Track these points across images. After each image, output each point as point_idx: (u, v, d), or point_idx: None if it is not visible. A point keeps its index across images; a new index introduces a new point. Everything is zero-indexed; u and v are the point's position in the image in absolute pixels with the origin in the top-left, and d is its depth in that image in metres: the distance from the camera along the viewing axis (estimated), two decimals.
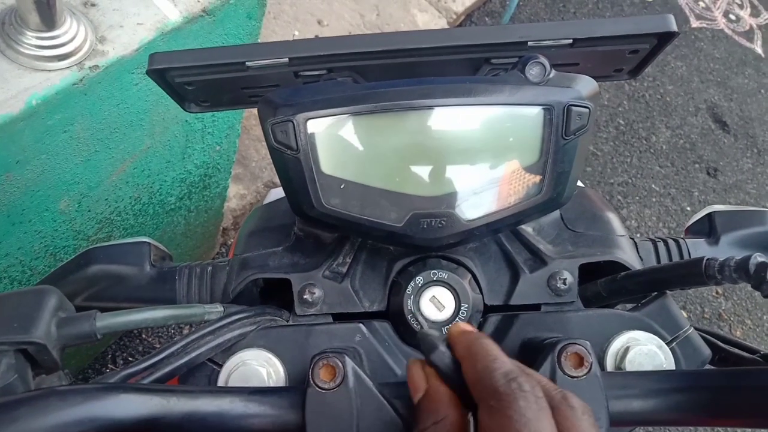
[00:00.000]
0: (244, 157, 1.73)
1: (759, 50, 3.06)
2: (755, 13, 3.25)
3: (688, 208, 2.33)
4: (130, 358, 1.43)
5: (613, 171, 2.35)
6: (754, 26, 3.18)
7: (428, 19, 2.31)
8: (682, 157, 2.50)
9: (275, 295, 0.51)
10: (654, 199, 2.32)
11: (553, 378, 0.34)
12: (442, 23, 2.34)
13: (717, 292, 2.11)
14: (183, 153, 1.01)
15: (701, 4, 3.16)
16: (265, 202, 0.58)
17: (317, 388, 0.33)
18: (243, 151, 1.73)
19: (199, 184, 1.15)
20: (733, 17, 3.17)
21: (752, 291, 2.12)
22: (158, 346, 1.48)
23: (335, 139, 0.40)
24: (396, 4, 2.30)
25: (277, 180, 1.82)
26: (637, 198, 2.31)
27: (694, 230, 0.51)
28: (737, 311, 2.09)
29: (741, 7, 3.25)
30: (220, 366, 0.40)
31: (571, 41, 0.42)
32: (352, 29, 2.13)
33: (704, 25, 3.06)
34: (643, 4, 3.02)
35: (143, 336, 1.47)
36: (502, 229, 0.45)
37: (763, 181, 2.53)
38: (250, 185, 1.70)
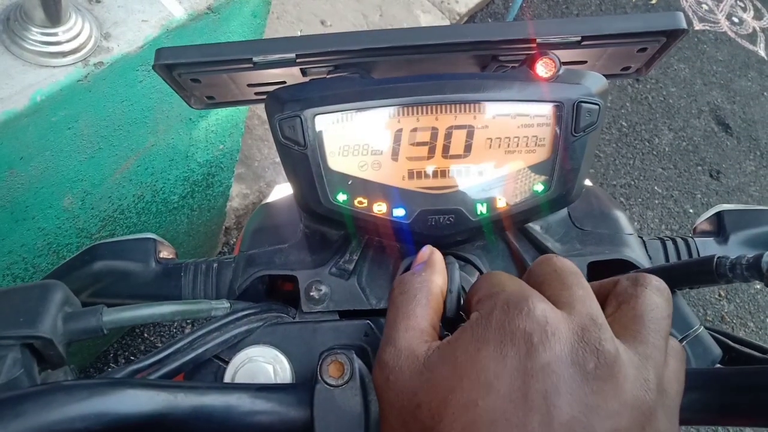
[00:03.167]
0: (247, 157, 1.73)
1: (762, 53, 3.06)
2: (758, 15, 3.25)
3: (691, 210, 2.32)
4: (132, 357, 1.43)
5: (616, 173, 2.35)
6: (758, 29, 3.18)
7: (431, 20, 2.31)
8: (684, 159, 2.49)
9: (280, 293, 0.51)
10: (657, 201, 2.32)
11: None
12: (445, 24, 2.34)
13: (719, 295, 2.11)
14: (186, 151, 1.01)
15: (704, 6, 3.16)
16: (270, 198, 0.58)
17: (325, 385, 0.33)
18: (246, 151, 1.73)
19: (202, 183, 1.15)
20: (736, 20, 3.17)
21: (755, 293, 2.12)
22: (160, 345, 1.48)
23: (343, 135, 0.40)
24: (399, 5, 2.30)
25: (279, 180, 1.82)
26: (640, 200, 2.30)
27: (703, 229, 0.51)
28: (740, 314, 2.08)
29: (744, 9, 3.25)
30: (227, 362, 0.39)
31: (579, 38, 0.42)
32: (355, 30, 2.13)
33: (707, 28, 3.06)
34: (646, 6, 3.02)
35: (145, 335, 1.47)
36: (509, 227, 0.45)
37: (766, 184, 2.52)
38: (253, 185, 1.70)
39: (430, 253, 0.36)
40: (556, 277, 0.30)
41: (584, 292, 0.29)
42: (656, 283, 0.30)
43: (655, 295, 0.29)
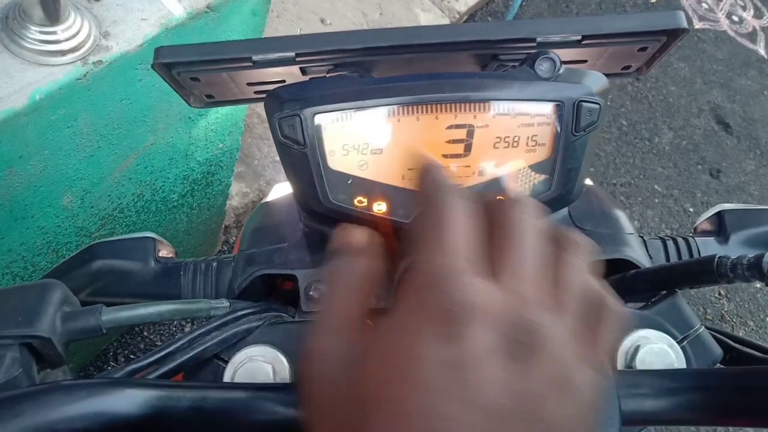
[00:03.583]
0: (247, 155, 1.73)
1: (762, 52, 3.06)
2: (758, 14, 3.25)
3: (691, 209, 2.32)
4: (132, 356, 1.43)
5: (616, 172, 2.35)
6: (757, 28, 3.18)
7: (431, 19, 2.31)
8: (684, 158, 2.49)
9: (280, 292, 0.51)
10: (657, 200, 2.32)
11: None
12: (444, 23, 2.33)
13: (719, 294, 2.11)
14: (186, 150, 1.00)
15: (704, 5, 3.16)
16: (270, 197, 0.58)
17: None
18: (245, 149, 1.73)
19: (202, 182, 1.15)
20: (736, 18, 3.17)
21: (755, 292, 2.12)
22: (160, 343, 1.48)
23: (342, 134, 0.40)
24: (399, 4, 2.29)
25: (279, 178, 1.81)
26: (640, 199, 2.30)
27: (704, 228, 0.51)
28: (740, 312, 2.08)
29: (744, 8, 3.25)
30: (226, 362, 0.39)
31: (580, 37, 0.42)
32: (354, 28, 2.13)
33: (707, 27, 3.06)
34: (646, 5, 3.02)
35: (145, 333, 1.47)
36: None
37: (766, 183, 2.52)
38: (253, 183, 1.70)
39: (361, 235, 0.33)
40: (507, 232, 0.27)
41: (532, 257, 0.26)
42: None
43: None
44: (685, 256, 0.48)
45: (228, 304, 0.41)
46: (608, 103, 0.40)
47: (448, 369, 0.23)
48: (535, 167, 0.40)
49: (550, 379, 0.24)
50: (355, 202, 0.40)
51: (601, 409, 0.32)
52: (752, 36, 3.13)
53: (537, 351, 0.24)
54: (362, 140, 0.40)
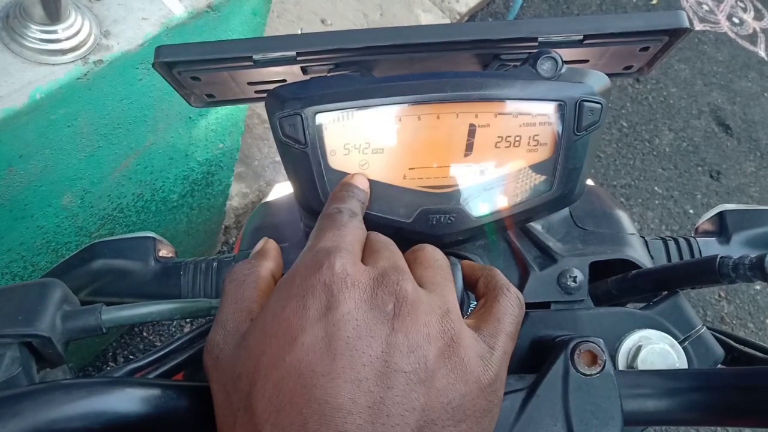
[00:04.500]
0: (247, 156, 1.73)
1: (762, 54, 3.06)
2: (759, 16, 3.25)
3: (691, 211, 2.32)
4: (131, 356, 1.43)
5: (616, 173, 2.35)
6: (758, 30, 3.18)
7: (432, 19, 2.31)
8: (685, 159, 2.49)
9: None
10: (657, 202, 2.32)
11: (566, 376, 0.33)
12: (446, 23, 2.33)
13: (719, 295, 2.10)
14: (186, 150, 1.00)
15: (705, 7, 3.16)
16: (270, 197, 0.58)
17: None
18: (245, 150, 1.73)
19: (202, 182, 1.15)
20: (736, 20, 3.17)
21: (755, 294, 2.12)
22: (159, 344, 1.47)
23: (343, 133, 0.39)
24: (399, 4, 2.30)
25: (279, 179, 1.81)
26: (640, 200, 2.30)
27: (705, 229, 0.51)
28: (740, 314, 2.08)
29: (744, 10, 3.25)
30: None
31: (581, 37, 0.42)
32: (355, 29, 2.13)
33: (708, 28, 3.06)
34: (647, 7, 3.02)
35: (144, 334, 1.47)
36: (511, 227, 0.45)
37: (766, 185, 2.52)
38: (253, 184, 1.70)
39: (263, 243, 0.37)
40: (372, 246, 0.32)
41: (390, 254, 0.31)
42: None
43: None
44: (687, 257, 0.48)
45: None
46: (609, 104, 0.40)
47: (324, 328, 0.26)
48: (537, 167, 0.40)
49: (425, 333, 0.27)
50: None
51: (598, 405, 0.33)
52: (752, 38, 3.13)
53: (406, 307, 0.27)
54: (363, 139, 0.39)
